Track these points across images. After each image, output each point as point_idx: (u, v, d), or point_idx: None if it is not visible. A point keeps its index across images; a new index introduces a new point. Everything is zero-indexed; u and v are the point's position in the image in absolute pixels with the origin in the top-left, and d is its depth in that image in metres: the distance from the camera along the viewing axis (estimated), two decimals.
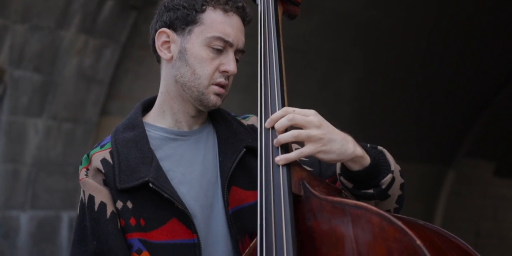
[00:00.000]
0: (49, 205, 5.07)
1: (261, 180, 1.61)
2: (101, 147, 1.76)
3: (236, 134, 1.77)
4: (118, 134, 1.77)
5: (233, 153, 1.74)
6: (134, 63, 5.32)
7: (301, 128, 1.59)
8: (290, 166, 1.60)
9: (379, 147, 1.70)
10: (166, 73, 1.76)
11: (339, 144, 1.59)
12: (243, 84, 4.23)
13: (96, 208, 1.70)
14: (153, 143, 1.75)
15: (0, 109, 4.98)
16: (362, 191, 1.65)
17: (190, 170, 1.74)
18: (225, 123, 1.80)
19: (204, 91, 1.72)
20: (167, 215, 1.69)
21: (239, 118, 1.85)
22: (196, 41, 1.71)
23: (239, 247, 1.71)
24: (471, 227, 8.39)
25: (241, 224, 1.70)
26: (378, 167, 1.65)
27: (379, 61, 6.58)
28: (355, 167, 1.64)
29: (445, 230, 1.59)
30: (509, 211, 9.42)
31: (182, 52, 1.72)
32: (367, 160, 1.63)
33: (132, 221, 1.69)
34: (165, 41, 1.74)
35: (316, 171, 1.78)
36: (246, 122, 1.85)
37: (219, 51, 1.71)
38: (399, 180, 1.69)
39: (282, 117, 1.59)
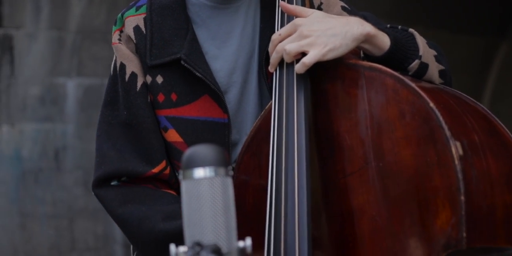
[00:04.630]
0: (95, 73, 5.14)
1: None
2: (137, 9, 1.69)
3: None
4: None
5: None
6: None
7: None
8: None
9: (410, 30, 1.58)
10: None
11: (342, 34, 1.47)
12: None
13: (127, 78, 1.66)
14: (190, 9, 1.67)
15: None
16: None
17: (227, 44, 1.67)
18: None
19: None
20: (199, 90, 1.64)
21: None
22: None
23: None
24: None
25: None
26: (402, 51, 1.52)
27: None
28: (375, 51, 1.52)
29: (465, 95, 1.54)
30: None
31: None
32: (385, 42, 1.51)
33: (160, 98, 1.65)
34: None
35: None
36: None
37: None
38: (435, 66, 1.57)
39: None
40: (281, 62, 1.53)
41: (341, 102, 1.50)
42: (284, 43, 1.50)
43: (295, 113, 1.49)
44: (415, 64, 1.53)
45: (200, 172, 1.11)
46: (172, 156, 1.68)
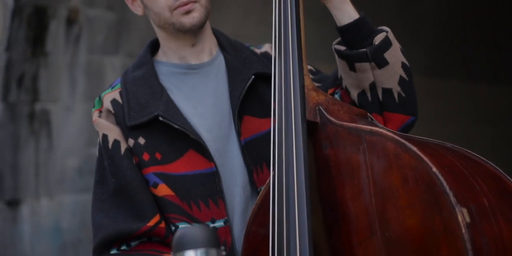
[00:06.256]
0: None
1: (274, 109, 1.54)
2: (112, 88, 1.78)
3: (245, 63, 1.75)
4: (127, 74, 1.78)
5: (242, 81, 1.71)
6: None
7: None
8: (304, 92, 1.51)
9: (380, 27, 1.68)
10: (151, 23, 1.78)
11: None
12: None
13: (110, 146, 1.70)
14: (162, 79, 1.75)
15: (78, 48, 5.04)
16: (355, 50, 1.61)
17: (202, 103, 1.73)
18: (234, 53, 1.77)
19: (173, 21, 1.70)
20: (183, 147, 1.68)
21: (252, 48, 1.82)
22: None
23: (253, 177, 1.69)
24: None
25: (257, 153, 1.68)
26: (370, 26, 1.63)
27: None
28: (344, 17, 1.62)
29: (475, 154, 1.47)
30: None
31: (142, 2, 1.74)
32: (355, 12, 1.63)
33: (145, 157, 1.69)
34: (133, 0, 1.77)
35: (325, 85, 1.73)
36: (260, 50, 1.81)
37: None
38: (399, 54, 1.63)
39: None
40: (280, 127, 1.50)
41: (344, 169, 1.44)
42: None
43: (295, 181, 1.43)
44: (382, 35, 1.61)
45: (191, 255, 1.10)
46: (166, 210, 1.68)
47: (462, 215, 1.27)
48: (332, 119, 1.49)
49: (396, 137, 1.39)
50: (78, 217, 4.92)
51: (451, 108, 6.27)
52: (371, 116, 1.59)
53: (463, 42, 6.56)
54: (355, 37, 1.62)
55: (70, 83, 5.03)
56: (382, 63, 1.61)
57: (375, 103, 1.63)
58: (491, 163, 1.43)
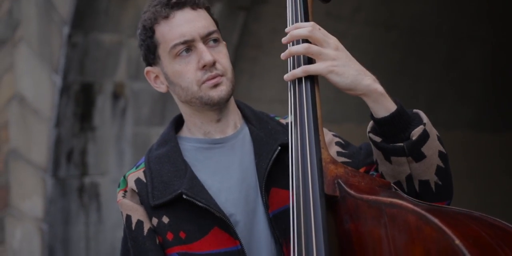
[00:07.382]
0: None
1: (291, 185, 1.50)
2: (136, 167, 1.76)
3: (271, 134, 1.72)
4: (151, 152, 1.76)
5: (268, 153, 1.68)
6: (249, 63, 5.29)
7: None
8: (321, 166, 1.47)
9: (415, 110, 1.62)
10: (175, 99, 1.77)
11: (354, 71, 1.54)
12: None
13: (133, 227, 1.69)
14: (187, 155, 1.73)
15: (124, 121, 5.11)
16: (392, 144, 1.55)
17: (228, 177, 1.70)
18: (260, 124, 1.75)
19: (201, 95, 1.68)
20: (207, 224, 1.65)
21: (278, 118, 1.79)
22: (166, 61, 1.70)
23: (283, 250, 1.64)
24: None
25: (286, 225, 1.62)
26: (407, 117, 1.56)
27: (509, 34, 6.16)
28: (380, 111, 1.56)
29: (504, 222, 1.39)
30: None
31: (167, 78, 1.72)
32: (391, 104, 1.57)
33: (169, 236, 1.66)
34: (155, 77, 1.75)
35: (356, 162, 1.68)
36: (285, 120, 1.78)
37: (188, 53, 1.68)
38: (436, 143, 1.58)
39: (305, 28, 1.55)
40: (298, 203, 1.45)
41: (366, 243, 1.39)
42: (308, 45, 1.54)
43: None
44: (419, 128, 1.55)
45: None
46: None
47: None
48: (352, 192, 1.44)
49: (416, 209, 1.34)
50: None
51: (503, 162, 6.10)
52: (395, 186, 1.54)
53: (510, 95, 6.45)
54: (392, 131, 1.56)
55: (118, 155, 5.08)
56: (419, 157, 1.56)
57: (411, 194, 1.56)
58: None
